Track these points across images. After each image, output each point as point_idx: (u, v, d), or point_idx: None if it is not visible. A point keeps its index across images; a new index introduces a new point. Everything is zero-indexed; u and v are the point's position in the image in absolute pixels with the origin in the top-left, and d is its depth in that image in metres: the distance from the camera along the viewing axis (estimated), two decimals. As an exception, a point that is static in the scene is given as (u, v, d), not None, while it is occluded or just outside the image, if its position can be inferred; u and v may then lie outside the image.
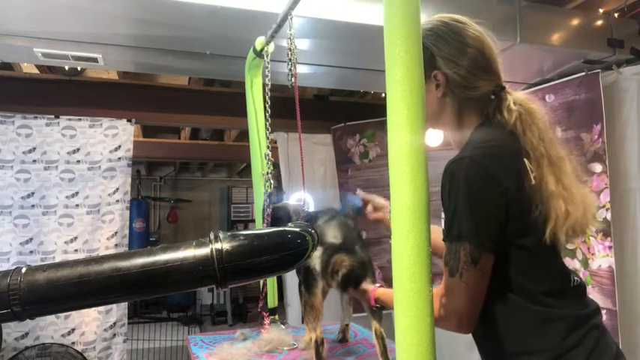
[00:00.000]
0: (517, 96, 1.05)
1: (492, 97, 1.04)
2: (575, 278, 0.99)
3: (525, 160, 0.95)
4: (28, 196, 2.97)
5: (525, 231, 0.93)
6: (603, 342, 0.94)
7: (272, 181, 1.82)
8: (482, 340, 1.01)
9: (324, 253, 1.34)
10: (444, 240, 0.96)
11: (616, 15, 2.50)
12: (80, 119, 3.09)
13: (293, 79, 1.54)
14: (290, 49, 1.54)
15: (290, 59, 1.54)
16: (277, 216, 1.64)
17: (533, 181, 0.93)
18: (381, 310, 1.32)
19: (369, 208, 1.48)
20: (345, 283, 1.33)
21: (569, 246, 2.45)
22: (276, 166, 3.60)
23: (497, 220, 0.91)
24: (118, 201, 3.12)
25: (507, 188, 0.92)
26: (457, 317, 0.93)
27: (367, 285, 1.31)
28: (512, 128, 0.99)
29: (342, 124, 3.64)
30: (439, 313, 0.94)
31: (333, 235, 1.36)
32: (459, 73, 1.03)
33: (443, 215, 0.98)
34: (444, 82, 1.04)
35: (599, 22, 2.46)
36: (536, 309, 0.92)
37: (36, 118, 3.02)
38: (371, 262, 1.39)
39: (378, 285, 1.30)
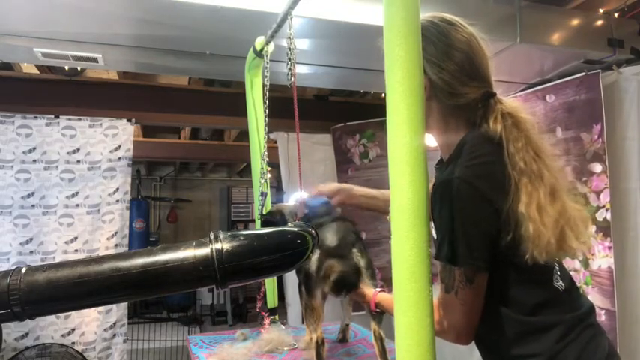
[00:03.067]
0: (507, 104, 1.00)
1: (480, 104, 0.99)
2: (560, 283, 0.98)
3: (511, 177, 0.92)
4: (29, 196, 2.97)
5: (515, 249, 0.91)
6: (596, 340, 0.95)
7: (267, 182, 1.82)
8: (483, 345, 1.02)
9: (319, 257, 1.33)
10: (436, 258, 0.94)
11: (616, 15, 2.50)
12: (80, 119, 3.09)
13: (292, 79, 1.54)
14: (289, 49, 1.54)
15: (289, 59, 1.54)
16: (274, 221, 1.62)
17: (513, 200, 0.90)
18: (381, 314, 1.32)
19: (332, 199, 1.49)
20: (337, 289, 1.32)
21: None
22: (275, 166, 3.60)
23: (489, 241, 0.90)
24: (118, 201, 3.12)
25: (499, 208, 0.90)
26: (455, 331, 0.94)
27: (368, 289, 1.30)
28: (499, 140, 0.95)
29: (342, 124, 3.64)
30: (437, 326, 0.94)
31: (330, 238, 1.36)
32: (443, 79, 0.98)
33: (432, 225, 0.96)
34: (428, 86, 0.99)
35: (599, 22, 2.46)
36: (530, 320, 0.93)
37: (36, 118, 3.02)
38: (371, 264, 1.38)
39: (379, 289, 1.29)
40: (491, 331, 0.96)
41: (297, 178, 3.60)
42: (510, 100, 1.03)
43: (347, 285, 1.31)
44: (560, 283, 0.98)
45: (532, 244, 0.88)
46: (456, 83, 0.99)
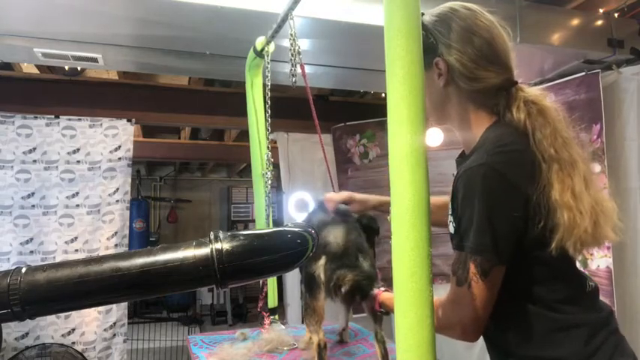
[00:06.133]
0: (530, 92, 0.98)
1: (502, 92, 0.97)
2: (590, 283, 0.96)
3: (541, 164, 0.89)
4: (29, 196, 2.97)
5: (542, 241, 0.88)
6: (621, 347, 0.92)
7: (269, 182, 1.83)
8: (498, 347, 0.98)
9: (327, 263, 1.31)
10: (457, 248, 0.91)
11: (616, 15, 2.51)
12: (80, 119, 3.09)
13: (294, 79, 1.54)
14: (293, 50, 1.54)
15: (293, 60, 1.54)
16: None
17: (544, 188, 0.88)
18: (384, 315, 1.31)
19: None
20: (349, 298, 1.31)
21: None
22: (274, 166, 3.61)
23: (516, 231, 0.87)
24: (118, 201, 3.12)
25: (528, 198, 0.87)
26: (462, 327, 0.91)
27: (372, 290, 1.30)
28: (524, 129, 0.92)
29: (342, 124, 3.64)
30: (444, 321, 0.91)
31: (336, 243, 1.33)
32: (461, 61, 0.96)
33: (450, 219, 0.95)
34: (445, 70, 0.98)
35: (599, 22, 2.46)
36: (555, 317, 0.89)
37: (36, 118, 3.02)
38: (375, 266, 1.36)
39: (382, 289, 1.27)
40: (510, 330, 0.92)
41: (296, 178, 3.62)
42: (533, 89, 1.01)
43: (360, 293, 1.29)
44: (591, 283, 0.96)
45: (566, 233, 0.85)
46: (475, 67, 0.96)
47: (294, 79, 1.53)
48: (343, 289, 1.27)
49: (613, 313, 0.98)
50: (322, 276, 1.32)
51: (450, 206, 0.95)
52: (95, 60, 2.42)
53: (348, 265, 1.30)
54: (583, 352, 0.88)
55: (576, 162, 0.91)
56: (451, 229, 0.95)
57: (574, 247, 0.86)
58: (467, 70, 0.97)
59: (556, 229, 0.86)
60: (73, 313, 2.96)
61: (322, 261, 1.31)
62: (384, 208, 1.46)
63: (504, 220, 0.86)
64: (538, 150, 0.90)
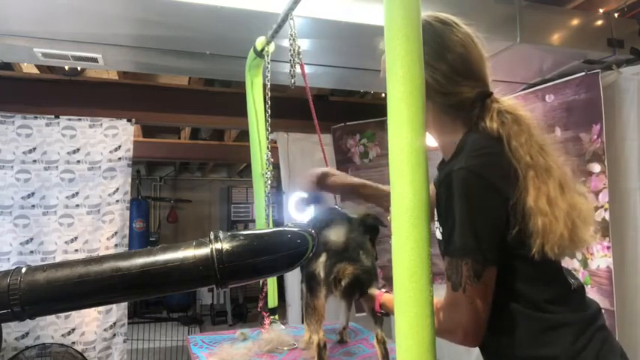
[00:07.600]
0: (504, 103, 1.00)
1: (477, 104, 0.99)
2: (573, 281, 0.97)
3: (517, 170, 0.91)
4: (29, 196, 2.97)
5: (521, 244, 0.90)
6: (609, 343, 0.94)
7: (269, 182, 1.83)
8: (489, 349, 0.99)
9: (327, 259, 1.31)
10: (443, 255, 0.93)
11: (616, 15, 2.51)
12: (80, 119, 3.10)
13: (293, 80, 1.54)
14: (293, 50, 1.54)
15: (292, 61, 1.54)
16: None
17: (520, 194, 0.90)
18: (384, 316, 1.31)
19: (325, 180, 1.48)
20: (349, 292, 1.31)
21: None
22: (275, 166, 3.61)
23: (498, 232, 0.88)
24: (118, 201, 3.12)
25: (507, 198, 0.89)
26: (463, 331, 0.91)
27: (372, 290, 1.29)
28: (499, 136, 0.94)
29: (342, 124, 3.65)
30: (445, 325, 0.92)
31: (337, 240, 1.33)
32: (435, 78, 0.98)
33: (437, 225, 0.96)
34: None
35: (599, 22, 2.47)
36: (541, 317, 0.91)
37: (36, 118, 3.02)
38: (375, 266, 1.36)
39: (384, 290, 1.28)
40: (500, 332, 0.93)
41: (297, 178, 3.61)
42: (507, 99, 1.02)
43: (359, 287, 1.29)
44: (572, 281, 0.97)
45: (543, 238, 0.87)
46: (448, 83, 0.98)
47: (293, 80, 1.53)
48: (343, 283, 1.27)
49: (600, 310, 0.99)
50: (322, 274, 1.31)
51: (435, 212, 0.96)
52: (95, 60, 2.42)
53: (348, 259, 1.30)
54: (571, 349, 0.89)
55: (552, 168, 0.93)
56: (438, 235, 0.97)
57: (552, 252, 0.88)
58: (440, 87, 0.98)
59: (533, 235, 0.88)
60: (73, 313, 2.96)
61: (323, 258, 1.31)
62: (362, 192, 1.49)
63: (485, 221, 0.88)
64: (514, 157, 0.92)
